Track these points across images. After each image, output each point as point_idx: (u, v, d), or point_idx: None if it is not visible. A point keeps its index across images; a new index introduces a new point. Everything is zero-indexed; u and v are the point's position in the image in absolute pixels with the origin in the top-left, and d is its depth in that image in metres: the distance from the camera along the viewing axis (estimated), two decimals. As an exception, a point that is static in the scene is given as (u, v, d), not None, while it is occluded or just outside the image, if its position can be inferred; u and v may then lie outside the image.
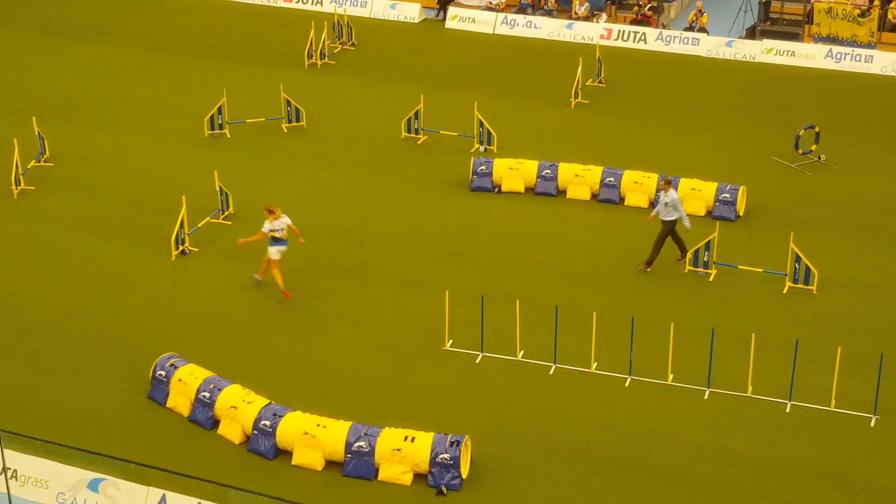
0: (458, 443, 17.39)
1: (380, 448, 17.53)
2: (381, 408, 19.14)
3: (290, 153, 28.97)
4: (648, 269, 23.24)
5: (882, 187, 26.99)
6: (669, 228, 22.97)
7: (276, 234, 22.07)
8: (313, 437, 17.78)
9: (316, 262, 23.80)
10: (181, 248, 24.16)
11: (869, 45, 34.87)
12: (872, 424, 18.76)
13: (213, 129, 29.94)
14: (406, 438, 17.56)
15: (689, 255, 23.33)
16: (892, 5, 35.88)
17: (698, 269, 23.28)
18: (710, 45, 36.01)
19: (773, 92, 33.05)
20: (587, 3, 38.34)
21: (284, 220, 22.10)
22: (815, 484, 17.43)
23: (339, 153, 28.99)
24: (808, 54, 35.06)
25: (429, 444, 17.44)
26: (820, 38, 35.70)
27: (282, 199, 26.52)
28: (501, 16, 38.44)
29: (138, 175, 27.84)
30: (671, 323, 20.01)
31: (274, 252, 22.21)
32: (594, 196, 26.51)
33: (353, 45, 36.84)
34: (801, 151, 27.93)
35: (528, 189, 26.85)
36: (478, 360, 20.54)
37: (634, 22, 37.82)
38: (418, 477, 17.58)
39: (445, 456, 17.32)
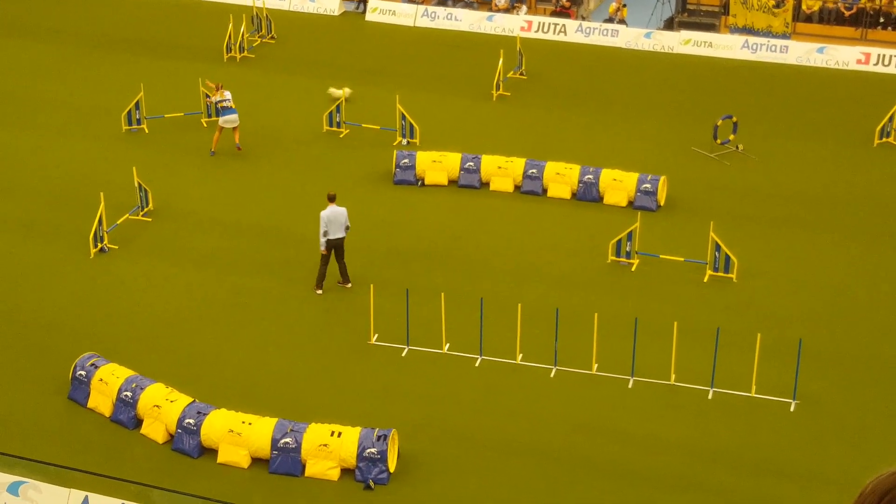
0: (385, 437, 17.34)
1: (306, 444, 17.42)
2: (307, 404, 19.02)
3: (209, 148, 28.61)
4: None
5: (799, 176, 27.44)
6: None
7: (224, 104, 27.37)
8: (238, 434, 17.62)
9: (240, 259, 23.57)
10: (100, 245, 23.78)
11: (784, 36, 35.42)
12: (792, 409, 19.07)
13: (130, 124, 29.50)
14: (333, 434, 17.48)
15: (612, 244, 23.51)
16: (805, -4, 36.52)
17: (621, 259, 23.48)
18: (629, 37, 36.30)
19: (691, 83, 33.43)
20: (507, -4, 38.43)
21: (227, 94, 27.54)
22: (738, 470, 17.67)
23: (261, 148, 28.73)
24: (724, 45, 35.52)
25: (356, 438, 17.38)
26: (736, 29, 36.17)
27: (203, 195, 26.23)
28: (422, 8, 38.38)
29: (55, 172, 27.33)
30: (595, 313, 20.16)
31: (222, 121, 27.59)
32: (517, 188, 26.59)
33: (272, 38, 36.52)
34: (719, 141, 28.28)
35: (452, 182, 26.86)
36: (404, 354, 20.50)
37: (554, 14, 38.01)
38: (346, 472, 17.51)
39: (373, 450, 17.27)
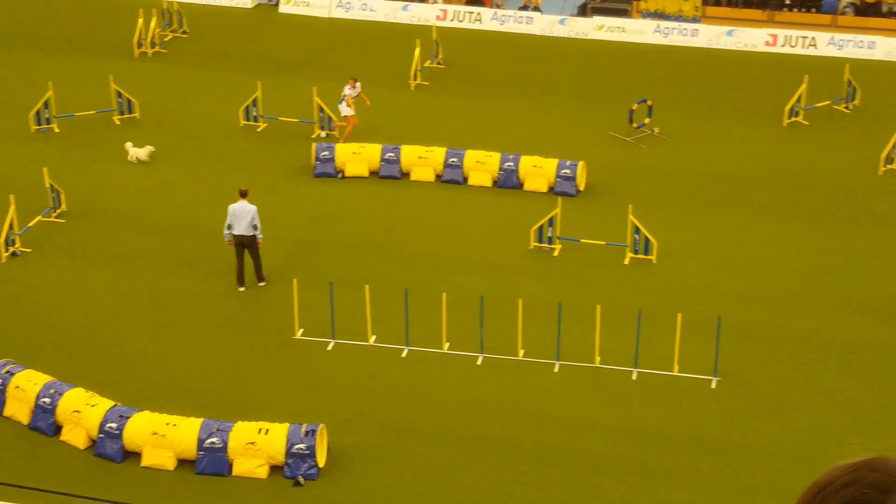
0: (314, 432, 17.25)
1: (233, 443, 17.26)
2: (233, 402, 18.85)
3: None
4: None
5: (713, 157, 27.81)
6: None
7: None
8: (163, 436, 17.39)
9: (159, 257, 23.25)
10: (11, 249, 23.28)
11: (694, 20, 35.87)
12: (713, 386, 19.37)
13: (39, 123, 28.90)
14: (260, 431, 17.34)
15: (534, 230, 23.63)
16: (715, -20, 37.00)
17: (543, 245, 23.61)
18: (543, 24, 36.48)
19: (606, 68, 33.70)
20: (421, -15, 38.36)
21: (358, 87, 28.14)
22: (664, 447, 17.90)
23: (177, 144, 28.35)
24: (637, 30, 35.86)
25: (283, 435, 17.26)
26: (648, 14, 36.54)
27: (119, 194, 25.83)
28: (336, -1, 38.16)
29: (-35, 175, 26.69)
30: (519, 299, 20.24)
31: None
32: (438, 177, 26.60)
33: (184, 32, 36.04)
34: (635, 125, 28.56)
35: (373, 173, 26.77)
36: (330, 348, 20.41)
37: (469, 2, 38.04)
38: (275, 469, 17.38)
39: (301, 446, 17.17)
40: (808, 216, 25.00)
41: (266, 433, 17.31)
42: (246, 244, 21.85)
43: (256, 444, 17.25)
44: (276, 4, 38.86)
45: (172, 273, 22.71)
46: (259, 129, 29.18)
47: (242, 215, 21.68)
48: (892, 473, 2.46)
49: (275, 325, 21.01)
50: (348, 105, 28.00)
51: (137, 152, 26.98)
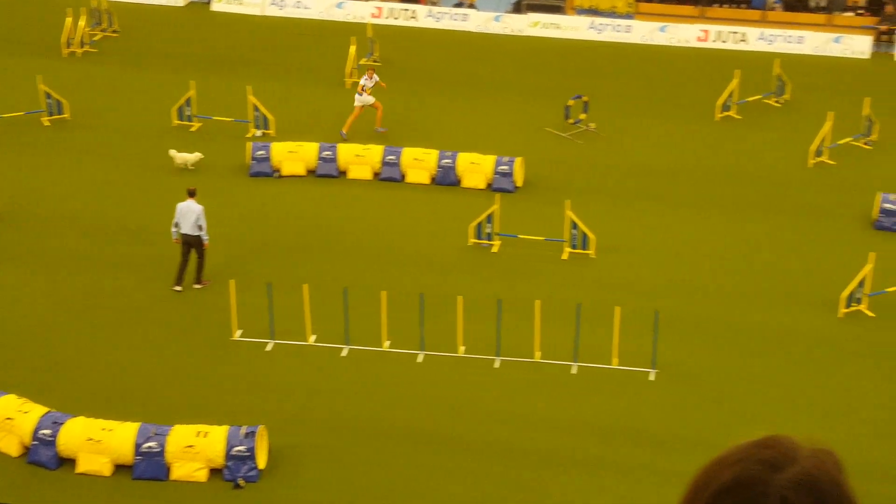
0: (253, 433, 17.13)
1: (171, 446, 17.08)
2: (171, 405, 18.65)
3: (55, 148, 27.80)
4: None
5: (648, 152, 28.06)
6: None
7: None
8: (98, 441, 17.15)
9: (92, 259, 22.94)
10: (-56, 253, 22.86)
11: (627, 16, 36.16)
12: (652, 378, 19.55)
13: (-31, 126, 28.38)
14: (198, 434, 17.18)
15: (472, 226, 23.66)
16: (647, -24, 37.33)
17: (481, 242, 23.66)
18: (479, 21, 36.56)
19: (541, 64, 33.84)
20: (355, -17, 38.25)
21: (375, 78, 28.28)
22: (605, 440, 18.04)
23: (108, 145, 27.99)
24: (571, 26, 36.06)
25: (223, 437, 17.12)
26: (582, 11, 36.77)
27: (50, 195, 25.45)
28: (269, -3, 37.91)
29: None
30: (459, 296, 20.26)
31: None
32: (376, 175, 26.54)
33: (114, 31, 35.56)
34: (571, 121, 28.72)
35: (310, 172, 26.63)
36: (269, 348, 20.28)
37: (404, 0, 37.99)
38: (214, 472, 17.24)
39: (241, 448, 17.05)
40: (741, 209, 25.32)
41: (205, 436, 17.15)
42: (192, 244, 21.68)
43: (195, 448, 17.09)
44: (209, 2, 38.51)
45: (107, 275, 22.42)
46: (193, 129, 28.90)
47: (188, 214, 21.55)
48: (783, 451, 2.53)
49: (212, 326, 20.83)
50: (368, 93, 28.15)
51: (187, 158, 26.52)
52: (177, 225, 21.65)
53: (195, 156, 26.62)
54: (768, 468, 2.50)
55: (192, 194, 21.77)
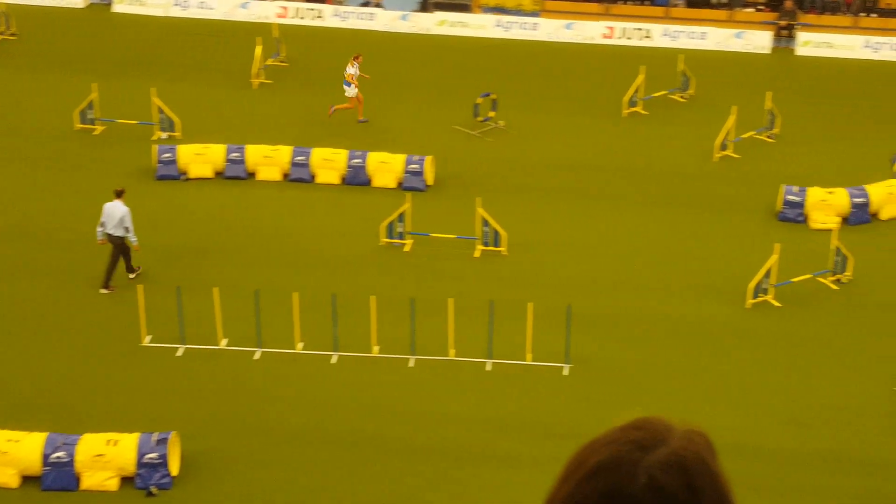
0: (165, 440, 16.90)
1: (80, 456, 16.78)
2: (79, 414, 18.32)
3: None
4: None
5: (557, 148, 28.26)
6: None
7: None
8: (5, 453, 16.78)
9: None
10: None
11: (534, 14, 36.40)
12: (566, 373, 19.72)
13: None
14: (108, 442, 16.91)
15: (384, 226, 23.62)
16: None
17: (393, 241, 23.63)
18: (386, 20, 36.49)
19: (449, 62, 33.90)
20: (260, -18, 37.93)
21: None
22: (520, 435, 18.15)
23: (11, 150, 27.36)
24: (478, 25, 36.19)
25: (134, 444, 16.87)
26: (488, 9, 36.92)
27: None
28: (172, -2, 37.40)
29: None
30: (372, 296, 20.21)
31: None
32: (285, 176, 26.34)
33: (13, 34, 34.76)
34: (480, 119, 28.83)
35: (218, 174, 26.33)
36: (179, 353, 20.02)
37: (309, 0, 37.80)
38: (126, 480, 16.97)
39: (153, 455, 16.81)
40: (649, 203, 25.65)
41: (115, 444, 16.88)
42: (115, 244, 21.43)
43: (105, 456, 16.80)
44: (110, 4, 37.82)
45: (11, 281, 21.93)
46: (96, 133, 28.40)
47: (113, 215, 21.33)
48: (653, 432, 2.58)
49: (121, 332, 20.49)
50: (355, 85, 28.47)
51: None
52: (102, 225, 21.41)
53: None
54: (638, 449, 2.54)
55: (118, 195, 21.57)
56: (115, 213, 21.31)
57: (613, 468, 2.54)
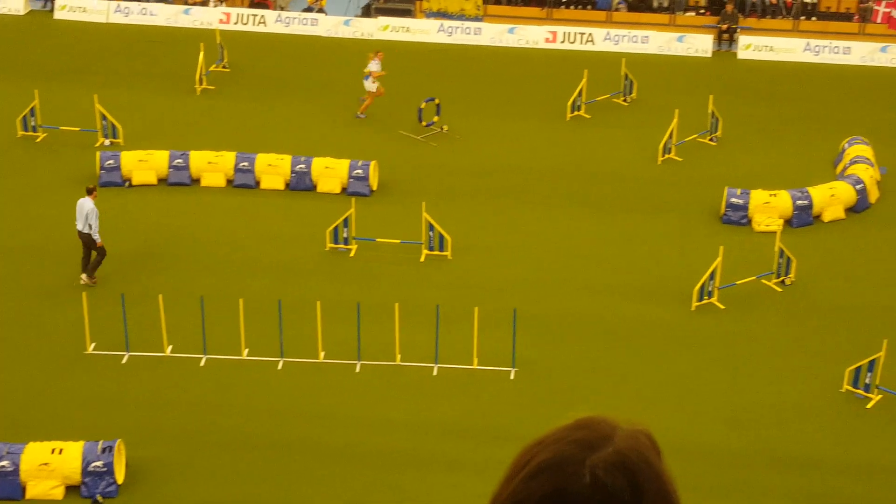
0: (111, 448, 16.80)
1: (25, 465, 16.64)
2: (25, 422, 18.16)
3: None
4: None
5: (501, 152, 28.39)
6: None
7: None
8: (-50, 463, 16.60)
9: (-65, 277, 22.14)
10: None
11: (476, 18, 36.55)
12: (512, 377, 19.82)
13: None
14: (53, 451, 16.77)
15: (329, 231, 23.62)
16: (495, -21, 37.79)
17: (338, 246, 23.63)
18: (328, 25, 36.47)
19: (393, 67, 33.87)
20: (202, -12, 37.76)
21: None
22: (465, 440, 18.22)
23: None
24: (421, 29, 36.28)
25: (79, 453, 16.75)
26: (431, 14, 37.02)
27: None
28: (114, 4, 37.11)
29: None
30: (317, 301, 20.20)
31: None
32: (230, 182, 26.25)
33: (-47, 41, 34.36)
34: (424, 124, 28.91)
35: (161, 180, 26.18)
36: (124, 361, 19.89)
37: (252, 5, 37.67)
38: (71, 489, 16.84)
39: (98, 463, 16.70)
40: (594, 206, 25.85)
41: (60, 453, 16.75)
42: (84, 241, 21.71)
43: (50, 465, 16.67)
44: (51, 10, 37.50)
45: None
46: (38, 140, 28.12)
47: (79, 211, 21.63)
48: (598, 432, 2.60)
49: (64, 340, 20.32)
50: (373, 80, 29.40)
51: None
52: (77, 220, 21.81)
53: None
54: (582, 448, 2.57)
55: (88, 192, 21.86)
56: (82, 209, 21.63)
57: (557, 467, 2.56)
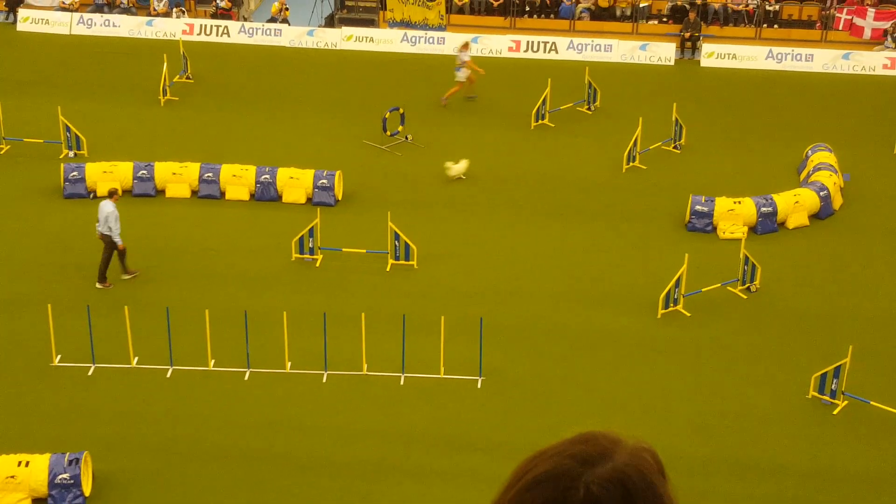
0: (78, 460, 16.69)
1: (-8, 479, 16.48)
2: (-11, 436, 17.98)
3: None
4: None
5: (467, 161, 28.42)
6: None
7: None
8: (-86, 478, 16.42)
9: None
10: None
11: (440, 28, 36.64)
12: (479, 386, 19.85)
13: None
14: (20, 464, 16.66)
15: (295, 241, 23.59)
16: (458, -11, 37.90)
17: (304, 256, 23.60)
18: (292, 36, 36.44)
19: (357, 77, 33.95)
20: (165, 0, 37.66)
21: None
22: (432, 449, 18.23)
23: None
24: (385, 39, 36.32)
25: (45, 465, 16.64)
26: (395, 24, 37.07)
27: None
28: (77, 15, 36.93)
29: None
30: (284, 311, 20.16)
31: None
32: (194, 193, 26.16)
33: (-87, 53, 34.07)
34: (389, 133, 28.93)
35: (126, 191, 26.04)
36: (90, 373, 19.77)
37: (215, 16, 37.58)
38: (38, 502, 16.72)
39: (65, 476, 16.59)
40: (559, 214, 25.94)
41: (27, 465, 16.63)
42: (106, 242, 22.03)
43: (17, 478, 16.54)
44: (14, 23, 37.26)
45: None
46: (2, 152, 27.93)
47: (100, 214, 21.98)
48: (599, 447, 2.61)
49: (30, 352, 20.17)
50: (464, 70, 31.03)
51: (460, 169, 27.29)
52: (98, 222, 22.17)
53: (463, 164, 27.41)
54: (580, 463, 2.57)
55: (110, 194, 22.24)
56: (102, 211, 21.98)
57: (553, 480, 2.55)
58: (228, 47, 36.05)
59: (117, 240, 22.02)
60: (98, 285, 22.23)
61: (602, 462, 2.57)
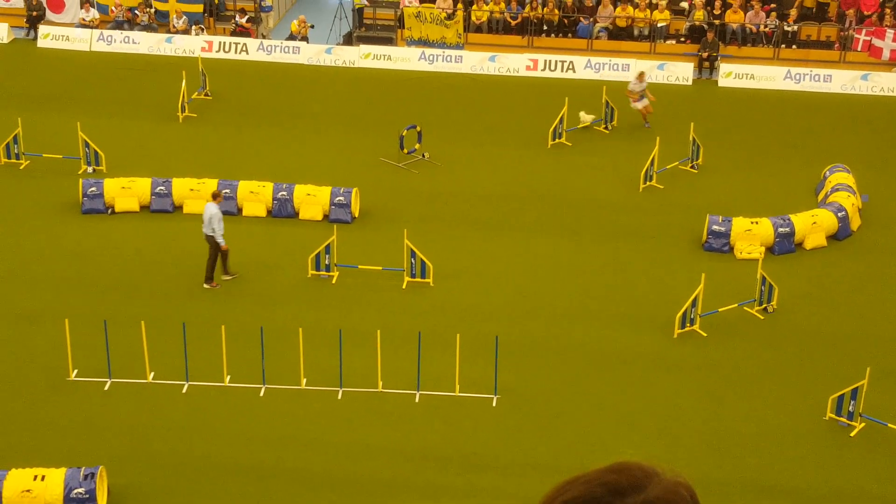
0: (93, 475, 16.72)
1: (7, 492, 16.56)
2: (6, 449, 18.07)
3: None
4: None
5: (483, 179, 28.48)
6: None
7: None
8: (-69, 491, 16.49)
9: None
10: None
11: (457, 46, 36.73)
12: (494, 404, 19.81)
13: None
14: (36, 478, 16.69)
15: (311, 258, 23.62)
16: (473, 7, 37.97)
17: (321, 273, 23.64)
18: (310, 53, 36.59)
19: (374, 95, 34.06)
20: (185, 17, 37.86)
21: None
22: (447, 467, 18.20)
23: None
24: (403, 57, 36.44)
25: (61, 480, 16.68)
26: (412, 42, 37.18)
27: None
28: (97, 32, 37.19)
29: None
30: (299, 328, 20.19)
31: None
32: (211, 209, 26.22)
33: (-65, 68, 34.34)
34: (406, 151, 28.99)
35: (144, 207, 26.17)
36: (106, 388, 19.82)
37: (234, 34, 37.78)
38: (53, 517, 16.73)
39: (80, 490, 16.63)
40: (575, 233, 25.93)
41: (42, 479, 16.67)
42: (211, 244, 22.55)
43: (33, 492, 16.58)
44: (35, 39, 37.55)
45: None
46: (22, 167, 28.10)
47: (204, 215, 22.53)
48: (632, 478, 2.58)
49: (46, 367, 20.25)
50: (634, 100, 30.97)
51: (586, 118, 30.06)
52: (203, 225, 22.76)
53: (591, 117, 30.20)
54: (610, 492, 2.55)
55: (213, 197, 22.78)
56: (206, 213, 22.53)
57: None
58: (247, 64, 36.23)
59: (220, 241, 22.53)
60: (205, 285, 22.87)
61: (633, 493, 2.54)
